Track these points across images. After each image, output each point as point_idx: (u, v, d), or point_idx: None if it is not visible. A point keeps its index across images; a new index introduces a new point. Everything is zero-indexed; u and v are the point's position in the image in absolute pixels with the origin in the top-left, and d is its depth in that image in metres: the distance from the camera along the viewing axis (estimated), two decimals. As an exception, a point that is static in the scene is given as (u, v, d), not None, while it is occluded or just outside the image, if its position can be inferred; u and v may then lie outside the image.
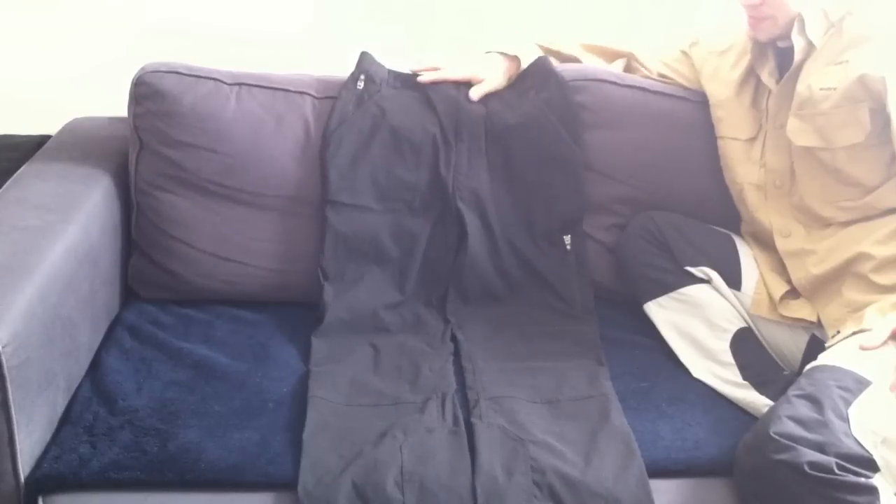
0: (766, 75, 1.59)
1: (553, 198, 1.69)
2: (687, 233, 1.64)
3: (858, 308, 1.41)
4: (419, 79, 1.69)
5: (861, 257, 1.45)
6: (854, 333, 1.38)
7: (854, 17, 1.51)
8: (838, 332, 1.42)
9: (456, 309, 1.63)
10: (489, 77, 1.70)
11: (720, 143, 1.68)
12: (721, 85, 1.67)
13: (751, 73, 1.63)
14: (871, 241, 1.46)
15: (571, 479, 1.25)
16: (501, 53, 1.71)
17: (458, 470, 1.27)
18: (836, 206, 1.51)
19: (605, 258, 1.72)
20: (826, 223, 1.53)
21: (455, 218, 1.67)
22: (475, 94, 1.68)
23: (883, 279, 1.42)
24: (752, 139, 1.62)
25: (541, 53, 1.75)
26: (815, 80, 1.51)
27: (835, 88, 1.49)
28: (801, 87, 1.53)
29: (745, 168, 1.64)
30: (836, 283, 1.48)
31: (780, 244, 1.58)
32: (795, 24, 1.51)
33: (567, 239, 1.69)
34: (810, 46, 1.52)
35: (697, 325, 1.56)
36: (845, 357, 1.33)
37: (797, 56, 1.53)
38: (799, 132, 1.53)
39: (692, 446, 1.35)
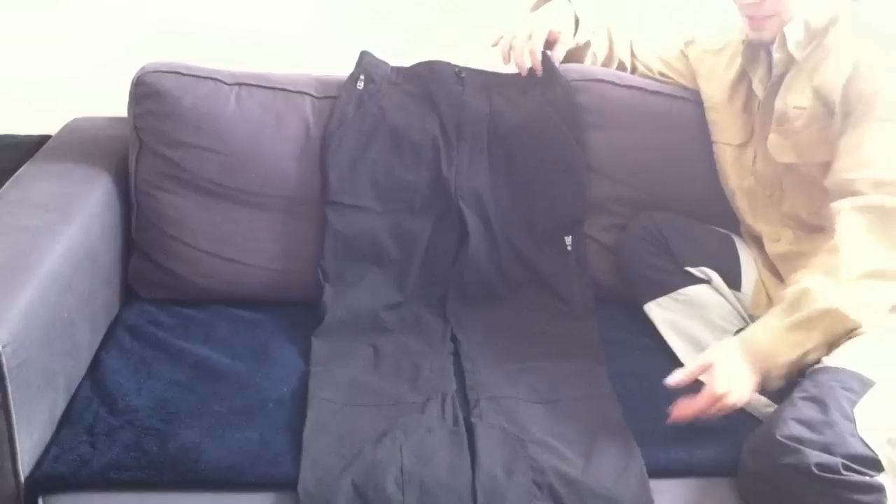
0: (757, 82, 1.58)
1: (555, 199, 1.68)
2: (687, 233, 1.64)
3: None
4: (517, 70, 1.66)
5: None
6: (850, 337, 1.38)
7: (837, 28, 1.47)
8: None
9: (456, 309, 1.63)
10: (563, 28, 1.65)
11: (714, 147, 1.67)
12: (716, 87, 1.67)
13: (743, 77, 1.62)
14: None
15: (571, 479, 1.25)
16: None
17: (458, 470, 1.26)
18: (823, 215, 1.50)
19: (605, 258, 1.72)
20: (815, 230, 1.52)
21: (456, 218, 1.67)
22: (560, 54, 1.66)
23: None
24: (744, 145, 1.61)
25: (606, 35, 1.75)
26: (792, 97, 1.50)
27: (805, 108, 1.47)
28: (779, 103, 1.52)
29: (736, 174, 1.63)
30: None
31: (770, 248, 1.57)
32: (778, 38, 1.50)
33: (568, 240, 1.68)
34: (790, 59, 1.50)
35: (697, 325, 1.56)
36: (848, 358, 1.32)
37: (776, 70, 1.52)
38: (778, 148, 1.53)
39: (693, 446, 1.34)
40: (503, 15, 1.75)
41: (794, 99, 1.49)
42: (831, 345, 1.33)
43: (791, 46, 1.48)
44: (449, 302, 1.64)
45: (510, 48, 1.64)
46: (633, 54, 1.79)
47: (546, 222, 1.69)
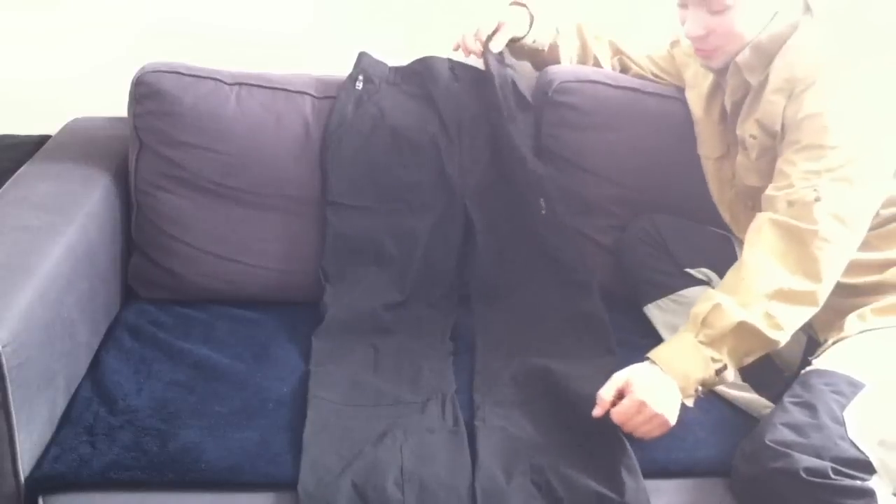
0: (728, 97, 1.56)
1: (520, 173, 1.67)
2: (685, 234, 1.64)
3: (844, 312, 1.41)
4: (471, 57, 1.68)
5: None
6: (835, 342, 1.38)
7: (782, 51, 1.44)
8: (826, 340, 1.42)
9: (464, 308, 1.63)
10: (510, 26, 1.67)
11: (701, 160, 1.67)
12: (695, 97, 1.66)
13: (718, 89, 1.61)
14: None
15: (571, 481, 1.25)
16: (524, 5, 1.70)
17: (458, 470, 1.27)
18: None
19: (604, 259, 1.71)
20: None
21: (459, 216, 1.67)
22: (496, 45, 1.65)
23: (855, 279, 1.41)
24: (722, 158, 1.61)
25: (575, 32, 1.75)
26: (748, 125, 1.49)
27: (757, 137, 1.47)
28: (738, 130, 1.52)
29: (718, 187, 1.63)
30: None
31: None
32: (731, 65, 1.49)
33: (542, 203, 1.66)
34: (747, 84, 1.49)
35: (698, 327, 1.56)
36: (838, 361, 1.33)
37: (733, 96, 1.52)
38: (744, 170, 1.53)
39: (692, 446, 1.35)
40: (502, 15, 1.75)
41: (750, 127, 1.49)
42: (742, 361, 1.34)
43: (746, 74, 1.48)
44: (455, 301, 1.64)
45: (464, 41, 1.67)
46: (619, 52, 1.79)
47: (528, 194, 1.67)
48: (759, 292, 1.31)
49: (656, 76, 1.77)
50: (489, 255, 1.66)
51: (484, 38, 1.66)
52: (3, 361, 1.18)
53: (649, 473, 1.29)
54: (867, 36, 1.43)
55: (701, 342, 1.32)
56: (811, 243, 1.32)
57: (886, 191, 1.39)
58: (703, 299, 1.36)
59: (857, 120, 1.36)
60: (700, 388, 1.33)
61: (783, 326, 1.31)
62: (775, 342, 1.32)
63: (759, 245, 1.35)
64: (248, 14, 1.93)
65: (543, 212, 1.66)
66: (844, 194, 1.34)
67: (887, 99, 1.37)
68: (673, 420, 1.29)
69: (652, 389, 1.29)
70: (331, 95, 1.69)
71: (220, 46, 1.84)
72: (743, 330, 1.30)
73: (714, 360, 1.31)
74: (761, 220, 1.37)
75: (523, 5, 1.70)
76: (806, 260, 1.32)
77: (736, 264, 1.38)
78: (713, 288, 1.58)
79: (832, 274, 1.34)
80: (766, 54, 1.46)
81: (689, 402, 1.33)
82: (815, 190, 1.33)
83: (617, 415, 1.29)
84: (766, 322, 1.31)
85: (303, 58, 1.88)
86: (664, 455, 1.33)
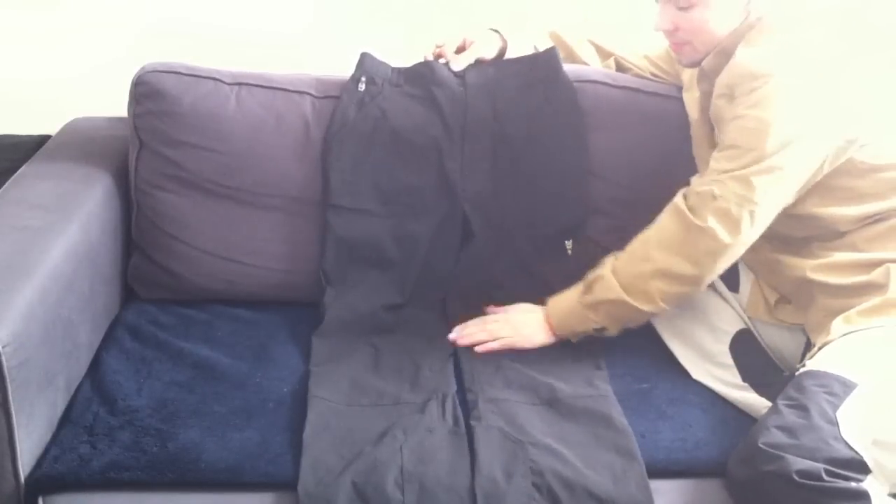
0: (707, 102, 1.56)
1: (556, 202, 1.68)
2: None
3: (835, 313, 1.40)
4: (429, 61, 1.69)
5: (817, 266, 1.45)
6: (822, 346, 1.37)
7: (732, 62, 1.45)
8: (814, 343, 1.42)
9: (457, 310, 1.63)
10: (478, 46, 1.69)
11: (696, 161, 1.67)
12: (691, 100, 1.66)
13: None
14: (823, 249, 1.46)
15: (571, 482, 1.25)
16: (497, 31, 1.72)
17: (458, 470, 1.27)
18: (788, 225, 1.49)
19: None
20: (789, 239, 1.51)
21: (459, 220, 1.66)
22: (457, 64, 1.67)
23: (844, 280, 1.41)
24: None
25: (551, 43, 1.74)
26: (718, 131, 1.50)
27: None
28: (716, 134, 1.53)
29: None
30: (809, 289, 1.47)
31: (748, 256, 1.57)
32: (699, 70, 1.51)
33: (568, 244, 1.68)
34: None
35: (697, 327, 1.56)
36: (830, 362, 1.32)
37: (705, 102, 1.53)
38: None
39: (692, 447, 1.35)
40: (502, 15, 1.75)
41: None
42: (624, 324, 1.49)
43: (712, 78, 1.49)
44: (449, 303, 1.64)
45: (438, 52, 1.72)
46: (611, 54, 1.78)
47: (547, 226, 1.68)
48: (642, 269, 1.44)
49: (655, 76, 1.77)
50: (483, 261, 1.65)
51: (448, 55, 1.68)
52: (3, 361, 1.18)
53: (649, 473, 1.29)
54: (809, 47, 1.43)
55: (582, 305, 1.48)
56: (697, 236, 1.40)
57: (787, 200, 1.42)
58: (601, 264, 1.50)
59: (777, 128, 1.37)
60: (586, 334, 1.51)
61: (660, 302, 1.45)
62: (651, 314, 1.48)
63: (658, 224, 1.46)
64: (248, 14, 1.94)
65: (569, 252, 1.67)
66: (744, 197, 1.38)
67: (815, 111, 1.39)
68: (520, 342, 1.51)
69: (524, 313, 1.54)
70: (331, 95, 1.68)
71: (220, 46, 1.84)
72: (618, 303, 1.45)
73: (592, 320, 1.48)
74: (672, 201, 1.45)
75: (496, 31, 1.71)
76: (690, 248, 1.42)
77: (638, 236, 1.48)
78: (713, 289, 1.60)
79: (713, 267, 1.43)
80: (728, 58, 1.46)
81: (573, 339, 1.52)
82: (717, 187, 1.39)
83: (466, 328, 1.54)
84: (641, 298, 1.44)
85: (303, 58, 1.88)
86: (664, 455, 1.33)
